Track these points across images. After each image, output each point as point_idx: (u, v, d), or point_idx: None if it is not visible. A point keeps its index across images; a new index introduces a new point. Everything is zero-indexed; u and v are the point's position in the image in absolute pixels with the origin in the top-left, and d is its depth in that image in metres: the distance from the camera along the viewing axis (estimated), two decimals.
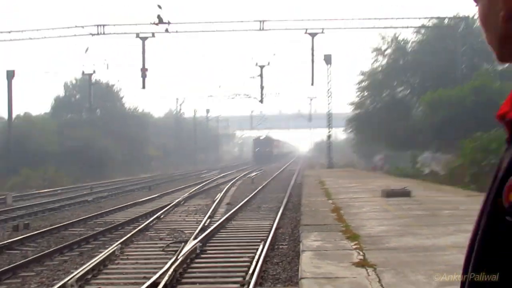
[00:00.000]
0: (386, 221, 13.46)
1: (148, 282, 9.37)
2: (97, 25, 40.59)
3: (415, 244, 10.28)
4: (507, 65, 39.34)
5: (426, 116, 36.59)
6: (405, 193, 19.80)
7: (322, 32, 40.21)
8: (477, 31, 40.72)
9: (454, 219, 13.25)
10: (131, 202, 25.60)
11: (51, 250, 13.38)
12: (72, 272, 10.65)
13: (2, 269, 11.28)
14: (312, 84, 43.83)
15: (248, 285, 9.34)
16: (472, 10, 41.09)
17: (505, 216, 1.01)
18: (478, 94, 32.00)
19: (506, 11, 1.10)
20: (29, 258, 12.36)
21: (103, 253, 12.30)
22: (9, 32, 42.50)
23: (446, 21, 40.85)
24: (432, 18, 41.41)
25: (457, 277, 7.10)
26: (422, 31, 42.78)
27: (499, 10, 1.08)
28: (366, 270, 8.25)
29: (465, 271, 1.21)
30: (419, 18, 41.62)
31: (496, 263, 1.08)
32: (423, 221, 13.19)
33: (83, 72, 52.96)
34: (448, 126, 32.66)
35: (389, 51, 44.91)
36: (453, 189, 22.98)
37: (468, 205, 16.14)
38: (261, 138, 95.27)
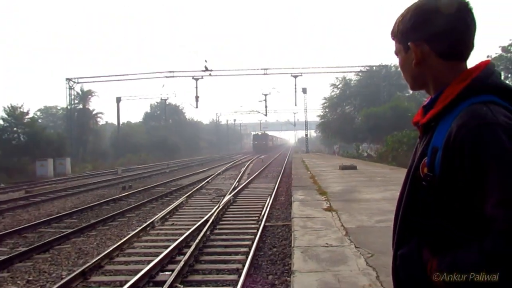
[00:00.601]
0: (342, 184, 13.40)
1: (202, 219, 9.39)
2: (169, 71, 41.66)
3: (360, 197, 10.23)
4: (416, 92, 40.23)
5: (363, 123, 38.48)
6: (353, 167, 19.71)
7: (301, 75, 43.48)
8: (393, 73, 42.73)
9: (383, 182, 13.16)
10: (191, 173, 25.63)
11: (144, 201, 13.44)
12: (157, 214, 10.72)
13: (116, 212, 11.36)
14: (296, 104, 46.26)
15: (261, 221, 9.35)
16: (389, 61, 42.92)
17: (422, 182, 1.05)
18: (394, 110, 33.85)
19: (416, 60, 1.12)
20: (131, 206, 12.43)
21: (175, 203, 12.35)
22: (117, 75, 43.94)
23: (374, 68, 42.35)
24: (365, 66, 44.84)
25: (387, 217, 7.08)
26: (360, 73, 44.90)
27: (411, 60, 1.12)
28: (331, 213, 8.22)
29: (396, 217, 1.19)
30: (358, 66, 45.74)
31: (417, 208, 1.07)
32: (364, 184, 13.11)
33: (161, 98, 53.56)
34: (376, 128, 33.92)
35: (340, 85, 46.84)
36: (382, 165, 22.84)
37: (391, 174, 16.02)
38: (258, 134, 75.16)
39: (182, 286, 5.46)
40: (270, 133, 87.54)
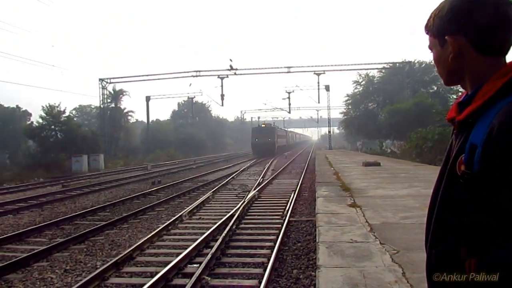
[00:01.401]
0: (366, 180, 13.16)
1: (228, 214, 9.43)
2: (196, 71, 41.88)
3: (385, 194, 10.00)
4: (441, 89, 39.01)
5: (386, 120, 37.48)
6: (376, 164, 19.31)
7: (324, 73, 42.55)
8: (416, 70, 41.32)
9: (407, 179, 12.83)
10: (217, 169, 25.85)
11: (173, 195, 13.65)
12: (185, 208, 10.86)
13: (146, 206, 11.57)
14: (319, 102, 45.30)
15: (286, 216, 9.31)
16: (413, 57, 41.96)
17: (459, 179, 0.99)
18: (417, 106, 32.81)
19: (453, 54, 1.06)
20: (160, 200, 12.64)
21: (202, 198, 12.48)
22: (147, 75, 44.55)
23: (397, 64, 41.16)
24: (388, 62, 42.93)
25: (412, 214, 6.89)
26: (383, 70, 43.65)
27: (448, 54, 1.07)
28: (356, 209, 8.09)
29: (430, 214, 1.14)
30: (381, 63, 44.08)
31: (453, 205, 1.02)
32: (388, 180, 12.82)
33: (188, 97, 54.10)
34: (400, 125, 32.99)
35: (363, 82, 45.64)
36: (405, 162, 22.31)
37: (416, 171, 15.62)
38: (261, 126, 46.98)
39: (209, 279, 5.50)
40: (288, 128, 68.72)
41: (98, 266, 6.30)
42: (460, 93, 1.17)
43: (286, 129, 61.02)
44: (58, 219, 10.04)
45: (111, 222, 9.39)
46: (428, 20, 1.14)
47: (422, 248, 1.15)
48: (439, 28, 1.09)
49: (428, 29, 1.14)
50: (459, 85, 1.15)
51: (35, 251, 6.96)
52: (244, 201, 11.21)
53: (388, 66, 42.55)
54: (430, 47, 1.16)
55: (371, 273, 4.23)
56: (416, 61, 41.44)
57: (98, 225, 9.01)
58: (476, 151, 0.95)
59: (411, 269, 4.22)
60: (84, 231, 8.43)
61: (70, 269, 6.28)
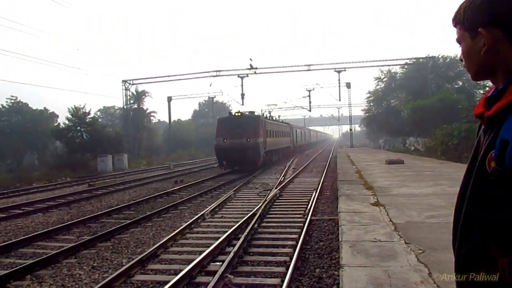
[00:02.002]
0: (389, 178, 12.93)
1: (250, 213, 9.47)
2: (216, 71, 42.08)
3: (409, 192, 9.80)
4: (466, 84, 37.93)
5: (409, 116, 36.58)
6: (400, 162, 18.96)
7: (344, 70, 41.86)
8: (441, 65, 40.18)
9: (432, 177, 12.53)
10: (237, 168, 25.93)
11: (195, 194, 13.80)
12: (207, 207, 10.97)
13: (169, 204, 11.74)
14: (339, 99, 44.55)
15: (307, 215, 9.27)
16: (437, 52, 40.75)
17: (489, 176, 0.96)
18: (442, 102, 31.95)
19: (487, 47, 1.01)
20: (183, 199, 12.80)
21: (224, 196, 12.57)
22: (168, 76, 45.23)
23: (420, 60, 40.10)
24: (411, 58, 41.85)
25: (438, 213, 6.73)
26: (406, 66, 42.65)
27: (479, 47, 1.03)
28: (379, 207, 7.96)
29: (457, 212, 1.11)
30: (403, 59, 42.95)
31: (483, 203, 0.99)
32: (413, 178, 12.56)
33: (208, 96, 54.47)
34: (424, 121, 32.27)
35: (385, 79, 45.02)
36: (430, 159, 21.78)
37: (441, 169, 15.24)
38: (235, 114, 24.09)
39: (232, 277, 5.54)
40: (308, 126, 63.51)
41: (124, 264, 6.45)
42: (487, 88, 1.14)
43: (289, 123, 37.36)
44: (85, 217, 10.32)
45: (136, 220, 9.59)
46: (457, 12, 1.10)
47: (449, 248, 1.13)
48: (472, 20, 1.06)
49: (457, 21, 1.11)
50: (486, 80, 1.12)
51: (64, 248, 7.18)
52: (265, 200, 11.23)
53: (411, 62, 41.48)
54: (459, 40, 1.12)
55: (396, 273, 4.16)
56: (440, 56, 40.37)
57: (123, 223, 9.21)
58: (508, 146, 0.92)
59: (438, 269, 4.13)
60: (110, 229, 8.64)
61: (97, 266, 6.45)
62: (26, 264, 6.24)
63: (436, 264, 4.28)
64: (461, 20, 1.09)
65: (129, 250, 7.35)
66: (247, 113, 24.48)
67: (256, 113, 25.54)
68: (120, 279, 5.61)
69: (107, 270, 6.25)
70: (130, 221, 9.51)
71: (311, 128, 73.33)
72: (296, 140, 40.34)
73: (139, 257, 6.40)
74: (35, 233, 8.58)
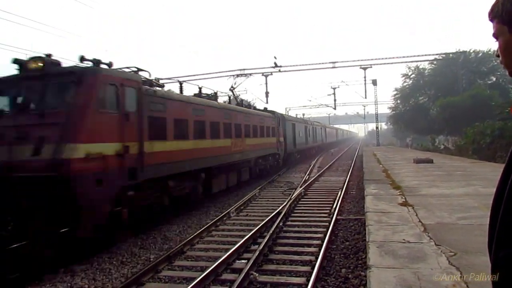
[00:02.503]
0: (418, 178, 12.58)
1: (275, 211, 9.46)
2: (240, 69, 42.16)
3: (439, 192, 9.51)
4: (501, 79, 36.49)
5: (439, 114, 35.45)
6: (429, 161, 18.42)
7: (371, 67, 40.80)
8: (472, 60, 38.72)
9: (464, 177, 12.10)
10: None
11: (220, 192, 13.82)
12: (232, 205, 11.04)
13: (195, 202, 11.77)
14: (365, 97, 43.82)
15: (333, 214, 9.17)
16: (468, 47, 39.29)
17: None
18: (474, 99, 30.61)
19: None
20: (209, 197, 12.84)
21: (249, 195, 12.61)
22: (194, 75, 45.93)
23: (450, 55, 38.69)
24: (441, 53, 40.31)
25: (470, 214, 6.51)
26: (434, 62, 41.24)
27: None
28: (407, 208, 7.76)
29: (494, 214, 1.06)
30: (432, 54, 41.30)
31: None
32: (443, 178, 12.17)
33: (233, 94, 54.81)
34: (454, 119, 31.18)
35: (412, 75, 43.61)
36: (461, 158, 21.05)
37: (472, 168, 14.71)
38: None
39: (257, 275, 5.55)
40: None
41: (152, 259, 6.58)
42: None
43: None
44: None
45: (163, 217, 9.74)
46: (494, 5, 1.05)
47: (483, 251, 1.08)
48: (511, 13, 1.00)
49: (494, 15, 1.05)
50: None
51: (95, 243, 7.39)
52: (290, 199, 11.19)
53: (440, 57, 40.14)
54: (496, 35, 1.07)
55: (426, 275, 4.04)
56: (471, 51, 38.86)
57: (152, 220, 9.38)
58: None
59: (471, 272, 3.98)
60: (139, 225, 8.81)
61: (126, 261, 6.62)
62: (60, 257, 6.45)
63: (469, 267, 4.13)
64: (499, 13, 1.03)
65: (156, 246, 7.50)
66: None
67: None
68: (148, 275, 5.73)
69: (135, 265, 6.40)
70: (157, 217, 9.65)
71: (331, 125, 62.91)
72: (294, 142, 25.28)
73: (167, 253, 6.52)
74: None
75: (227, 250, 6.54)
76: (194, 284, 5.04)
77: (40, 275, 5.83)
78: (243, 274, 5.37)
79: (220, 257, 6.12)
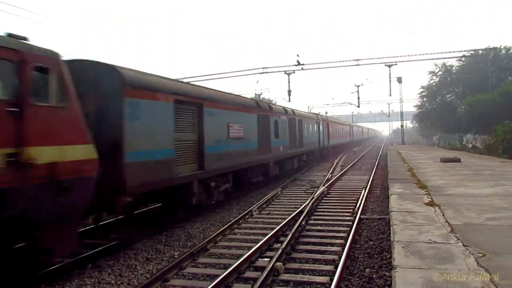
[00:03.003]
0: (444, 177, 12.27)
1: (297, 210, 9.42)
2: (263, 68, 42.15)
3: (467, 192, 9.25)
4: None
5: (467, 112, 34.30)
6: (456, 160, 17.93)
7: (395, 64, 39.85)
8: (503, 56, 37.45)
9: (493, 177, 11.73)
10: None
11: (242, 190, 13.89)
12: (255, 203, 11.07)
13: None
14: (390, 94, 42.82)
15: (357, 214, 9.06)
16: (499, 43, 37.70)
17: None
18: (504, 96, 29.37)
19: None
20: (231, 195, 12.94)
21: (271, 193, 12.62)
22: (218, 73, 46.43)
23: (479, 51, 37.42)
24: (469, 50, 39.00)
25: (500, 215, 6.32)
26: (463, 59, 40.01)
27: None
28: (434, 208, 7.59)
29: None
30: (460, 51, 40.11)
31: None
32: (471, 178, 11.83)
33: (255, 93, 54.90)
34: (483, 117, 30.12)
35: (439, 72, 42.49)
36: (490, 158, 20.40)
37: (502, 168, 14.24)
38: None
39: (282, 266, 5.58)
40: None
41: (176, 256, 6.69)
42: None
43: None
44: (140, 211, 10.80)
45: (187, 215, 9.88)
46: None
47: None
48: None
49: None
50: None
51: (121, 240, 7.58)
52: (313, 197, 11.12)
53: (469, 54, 38.95)
54: None
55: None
56: (502, 47, 37.50)
57: (175, 217, 9.53)
58: None
59: (501, 274, 3.87)
60: (163, 223, 8.97)
61: (151, 258, 6.75)
62: (88, 253, 6.66)
63: (499, 269, 4.01)
64: None
65: (180, 243, 7.61)
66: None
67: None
68: (172, 271, 5.83)
69: (160, 262, 6.52)
70: (181, 215, 9.80)
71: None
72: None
73: (190, 250, 6.62)
74: (94, 225, 9.11)
75: (249, 248, 6.58)
76: (217, 282, 5.09)
77: (69, 271, 6.02)
78: (266, 272, 5.39)
79: (242, 254, 6.16)
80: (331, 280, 5.17)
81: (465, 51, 39.20)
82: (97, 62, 7.00)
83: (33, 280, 5.47)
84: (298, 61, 38.91)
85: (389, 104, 67.12)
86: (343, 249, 6.38)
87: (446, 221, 6.40)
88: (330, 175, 17.42)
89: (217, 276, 5.33)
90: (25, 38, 4.89)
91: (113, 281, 5.70)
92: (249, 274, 5.69)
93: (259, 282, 5.10)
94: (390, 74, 41.09)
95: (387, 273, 5.40)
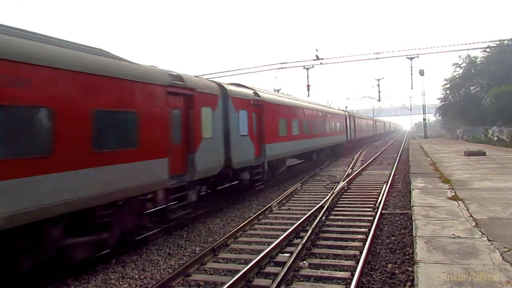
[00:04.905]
0: (469, 171, 11.99)
1: (318, 205, 9.42)
2: (281, 63, 41.84)
3: (492, 186, 9.02)
4: None
5: (492, 104, 33.19)
6: (481, 153, 17.46)
7: (417, 56, 38.76)
8: None
9: None
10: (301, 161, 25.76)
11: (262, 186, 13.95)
12: (274, 199, 11.11)
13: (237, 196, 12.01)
14: (412, 88, 42.27)
15: (378, 209, 8.98)
16: None
17: None
18: None
19: None
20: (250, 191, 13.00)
21: (291, 189, 12.61)
22: (237, 69, 46.49)
23: (505, 42, 36.19)
24: (495, 40, 37.55)
25: None
26: (488, 49, 38.58)
27: None
28: (457, 202, 7.45)
29: None
30: (485, 42, 38.77)
31: None
32: (496, 171, 11.52)
33: (274, 88, 54.64)
34: (509, 110, 29.35)
35: (463, 64, 41.18)
36: None
37: None
38: None
39: (306, 263, 5.62)
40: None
41: (197, 252, 6.81)
42: None
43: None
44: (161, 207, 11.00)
45: (207, 210, 10.02)
46: None
47: None
48: None
49: None
50: None
51: (144, 235, 7.76)
52: (333, 193, 11.07)
53: (494, 45, 37.68)
54: None
55: (478, 271, 3.89)
56: None
57: (196, 213, 9.67)
58: None
59: None
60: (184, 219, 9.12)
61: (173, 253, 6.90)
62: (112, 249, 6.85)
63: None
64: None
65: (201, 238, 7.74)
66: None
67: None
68: (194, 266, 5.95)
69: (182, 257, 6.65)
70: (202, 211, 9.94)
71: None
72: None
73: (211, 246, 6.72)
74: None
75: (269, 243, 6.63)
76: (238, 277, 5.17)
77: (94, 265, 6.22)
78: (287, 267, 5.43)
79: (263, 250, 6.21)
80: (352, 275, 5.17)
81: (490, 41, 37.96)
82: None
83: (60, 274, 5.68)
84: (317, 56, 38.58)
85: (411, 97, 65.98)
86: (364, 244, 6.35)
87: (471, 216, 6.28)
88: (351, 170, 17.26)
89: (238, 271, 5.41)
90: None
91: (136, 276, 5.86)
92: (270, 269, 5.74)
93: (279, 277, 5.14)
94: (411, 67, 40.26)
95: (409, 268, 5.36)
